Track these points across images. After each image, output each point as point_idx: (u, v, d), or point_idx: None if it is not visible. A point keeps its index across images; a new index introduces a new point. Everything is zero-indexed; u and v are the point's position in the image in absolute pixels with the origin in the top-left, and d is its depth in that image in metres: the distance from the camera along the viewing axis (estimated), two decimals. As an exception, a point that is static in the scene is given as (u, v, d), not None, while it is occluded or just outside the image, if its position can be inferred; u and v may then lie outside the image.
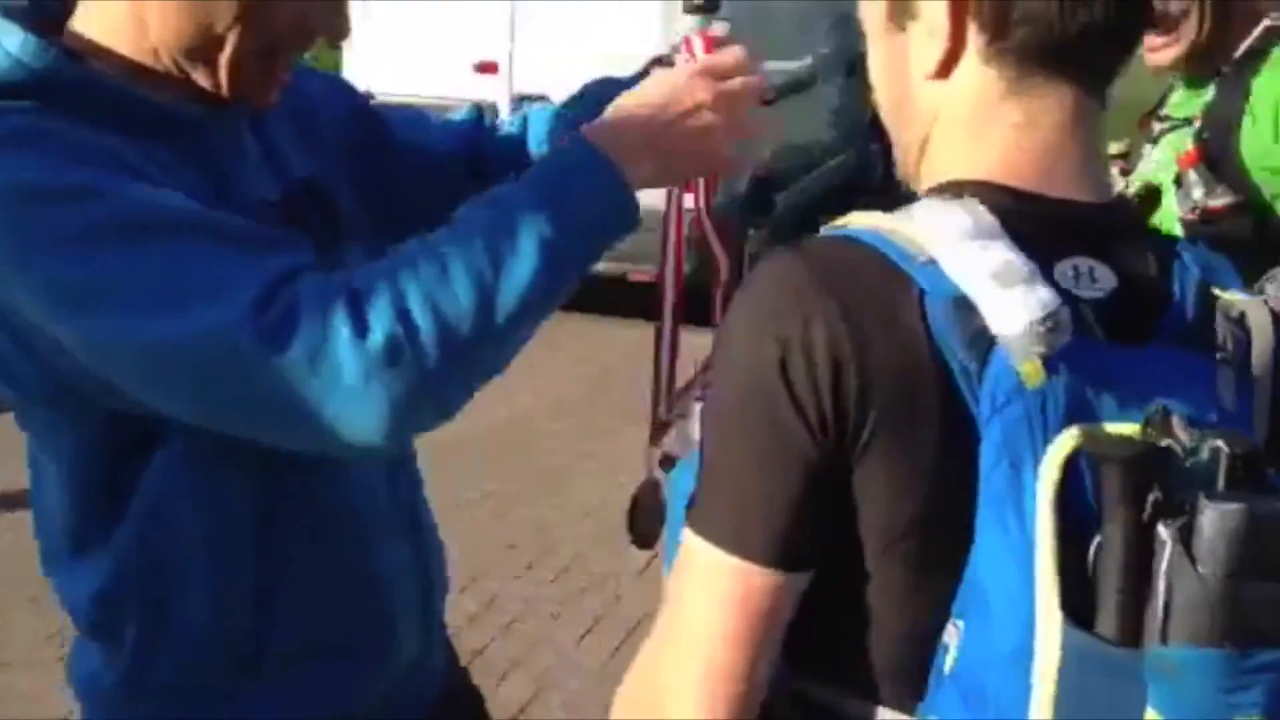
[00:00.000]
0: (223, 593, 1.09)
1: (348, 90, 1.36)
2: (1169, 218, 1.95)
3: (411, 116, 1.39)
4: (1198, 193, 1.89)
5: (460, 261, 0.94)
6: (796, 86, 5.78)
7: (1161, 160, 2.03)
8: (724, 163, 1.14)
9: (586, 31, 5.82)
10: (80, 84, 0.99)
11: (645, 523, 1.37)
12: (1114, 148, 2.17)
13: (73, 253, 0.91)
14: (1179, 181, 1.94)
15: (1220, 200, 1.88)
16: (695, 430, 0.93)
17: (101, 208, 0.92)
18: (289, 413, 0.91)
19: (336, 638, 1.16)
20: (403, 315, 0.91)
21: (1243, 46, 1.93)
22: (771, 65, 5.73)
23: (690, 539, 0.81)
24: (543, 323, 1.01)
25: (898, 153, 0.93)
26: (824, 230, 0.84)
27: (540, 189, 1.01)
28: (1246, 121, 1.88)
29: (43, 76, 0.97)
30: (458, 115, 1.41)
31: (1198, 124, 1.96)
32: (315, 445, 0.97)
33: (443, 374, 0.92)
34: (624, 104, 1.11)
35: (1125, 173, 2.13)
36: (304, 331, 0.89)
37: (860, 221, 0.81)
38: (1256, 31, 1.93)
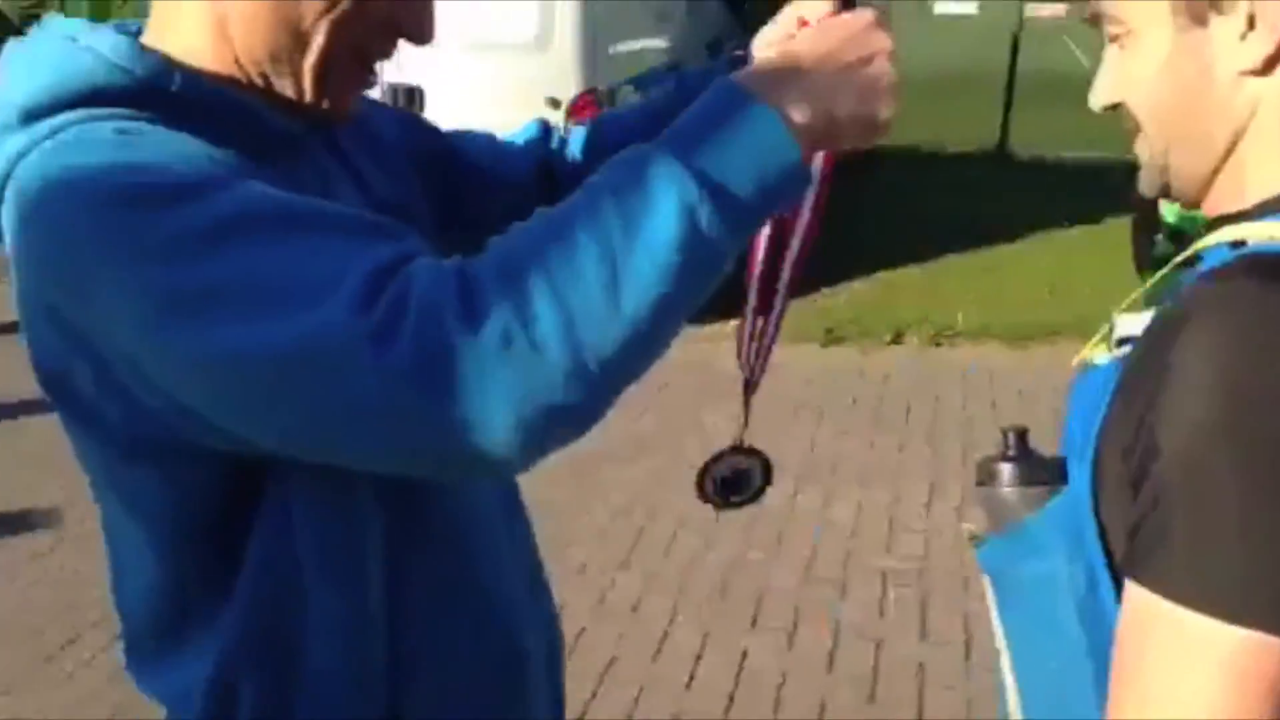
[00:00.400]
0: (350, 656, 0.99)
1: (416, 121, 1.29)
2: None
3: (483, 141, 1.30)
4: None
5: (586, 232, 0.80)
6: (663, 71, 6.12)
7: None
8: (885, 127, 0.94)
9: (459, 19, 5.99)
10: (182, 92, 0.92)
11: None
12: None
13: (156, 260, 0.82)
14: None
15: None
16: (1010, 498, 0.92)
17: (195, 211, 0.83)
18: (400, 422, 0.80)
19: (470, 692, 1.08)
20: (519, 302, 0.78)
21: None
22: (634, 45, 6.05)
23: (1167, 609, 0.74)
24: (693, 310, 0.85)
25: (1172, 162, 0.87)
26: (1254, 248, 0.80)
27: (681, 143, 0.84)
28: None
29: (145, 83, 0.90)
30: (524, 133, 1.32)
31: None
32: (432, 464, 0.85)
33: (570, 369, 0.79)
34: (788, 48, 0.94)
35: None
36: (413, 328, 0.77)
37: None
38: None
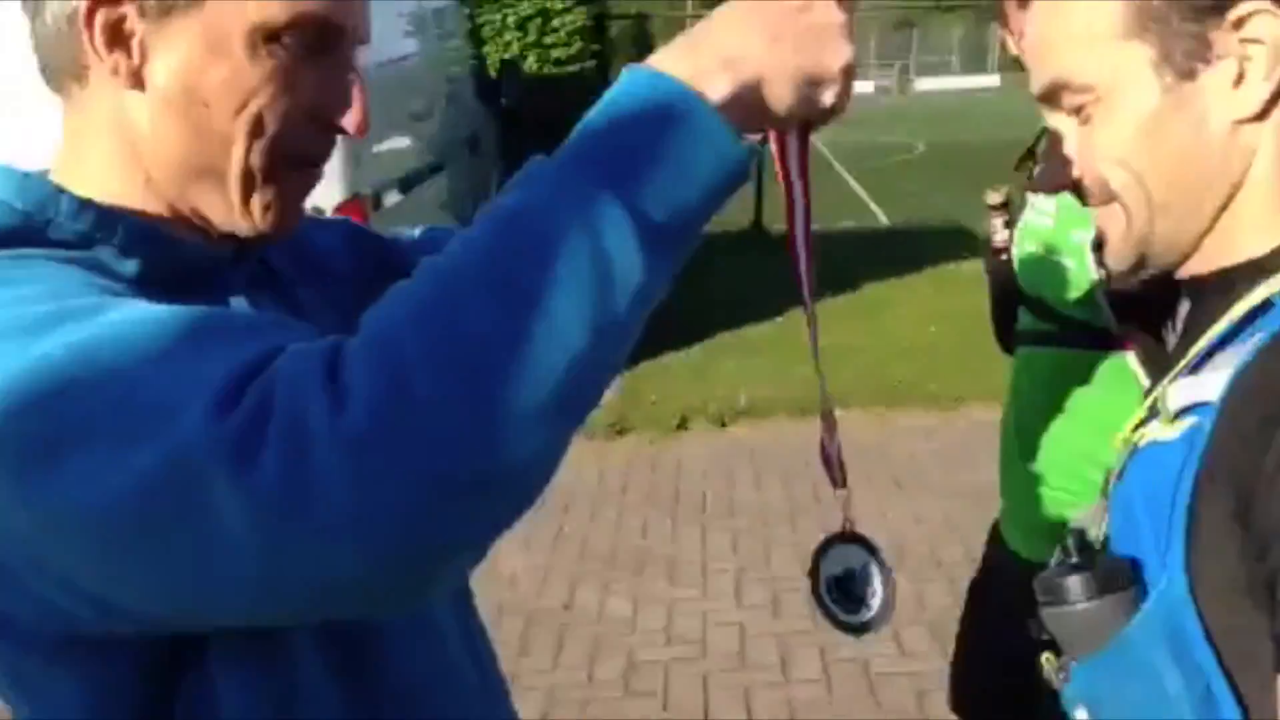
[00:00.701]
0: None
1: (363, 235, 1.15)
2: (1076, 283, 1.66)
3: (439, 240, 1.13)
4: None
5: (479, 273, 0.66)
6: (428, 173, 5.99)
7: (1064, 212, 1.69)
8: (842, 81, 0.76)
9: None
10: (71, 225, 0.81)
11: None
12: (991, 198, 1.87)
13: (8, 413, 0.68)
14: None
15: None
16: (1091, 614, 0.79)
17: (47, 344, 0.69)
18: (278, 555, 0.64)
19: None
20: (393, 367, 0.63)
21: None
22: (396, 145, 5.92)
23: None
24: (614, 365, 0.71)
25: (1159, 229, 0.83)
26: None
27: (580, 154, 0.70)
28: None
29: (29, 217, 0.80)
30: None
31: None
32: (338, 601, 0.68)
33: (474, 430, 0.63)
34: (706, 22, 0.76)
35: (1009, 225, 1.85)
36: (278, 430, 0.62)
37: None
38: None
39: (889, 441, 5.40)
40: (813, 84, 0.75)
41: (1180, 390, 0.79)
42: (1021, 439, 1.83)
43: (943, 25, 56.49)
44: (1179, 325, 0.92)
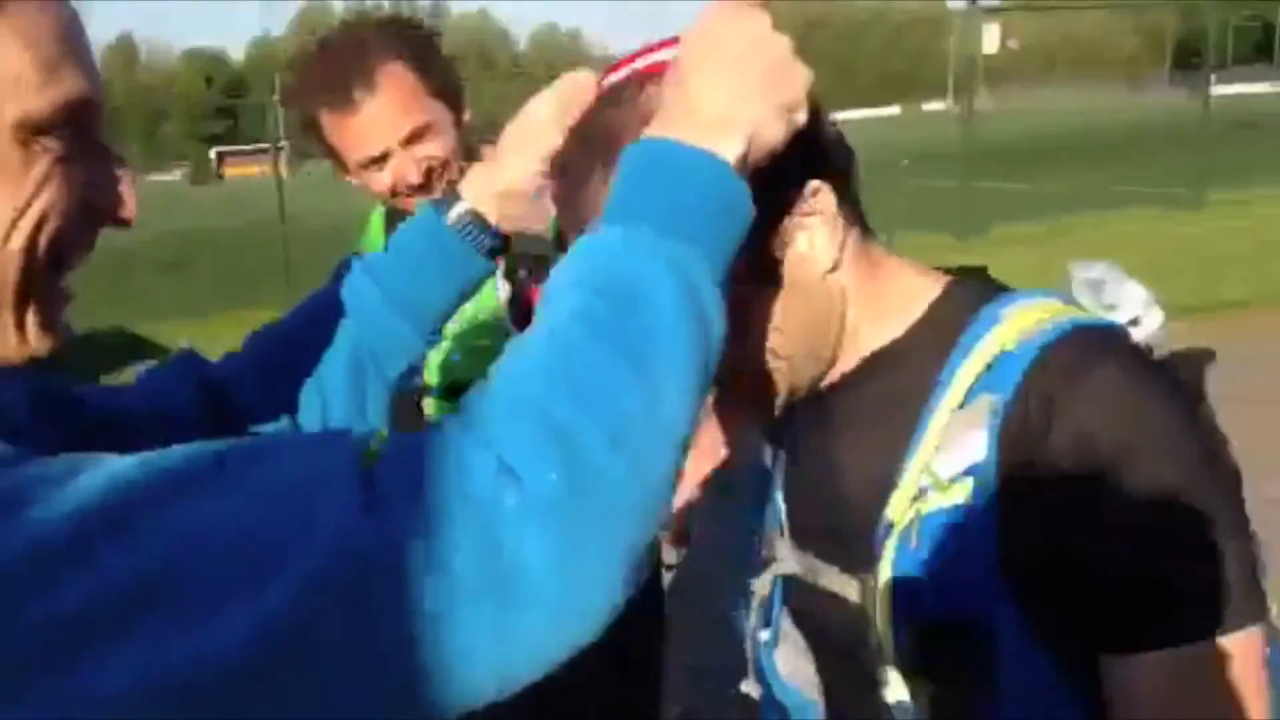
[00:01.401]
0: None
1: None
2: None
3: (138, 389, 1.06)
4: None
5: (592, 339, 0.68)
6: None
7: None
8: (807, 101, 0.83)
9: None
10: None
11: None
12: None
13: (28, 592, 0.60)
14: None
15: None
16: None
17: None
18: (510, 644, 0.63)
19: None
20: (557, 431, 0.64)
21: None
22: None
23: (1222, 641, 0.82)
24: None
25: (807, 370, 0.97)
26: (1079, 320, 0.92)
27: (636, 216, 0.74)
28: None
29: None
30: (164, 368, 1.09)
31: (501, 265, 1.64)
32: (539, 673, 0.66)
33: (644, 506, 0.66)
34: (674, 79, 0.81)
35: None
36: (452, 520, 0.62)
37: (1080, 312, 0.95)
38: None
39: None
40: (791, 111, 0.82)
41: (945, 460, 0.91)
42: None
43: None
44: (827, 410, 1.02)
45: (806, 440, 1.05)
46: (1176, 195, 12.84)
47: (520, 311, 1.84)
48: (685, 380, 0.69)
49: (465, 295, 1.14)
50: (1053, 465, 0.84)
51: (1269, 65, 56.53)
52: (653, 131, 0.78)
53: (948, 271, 1.04)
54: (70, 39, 0.74)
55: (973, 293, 0.97)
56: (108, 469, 0.64)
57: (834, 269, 0.94)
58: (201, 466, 0.65)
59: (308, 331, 1.12)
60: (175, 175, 74.36)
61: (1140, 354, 0.92)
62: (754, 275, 0.89)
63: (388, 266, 1.12)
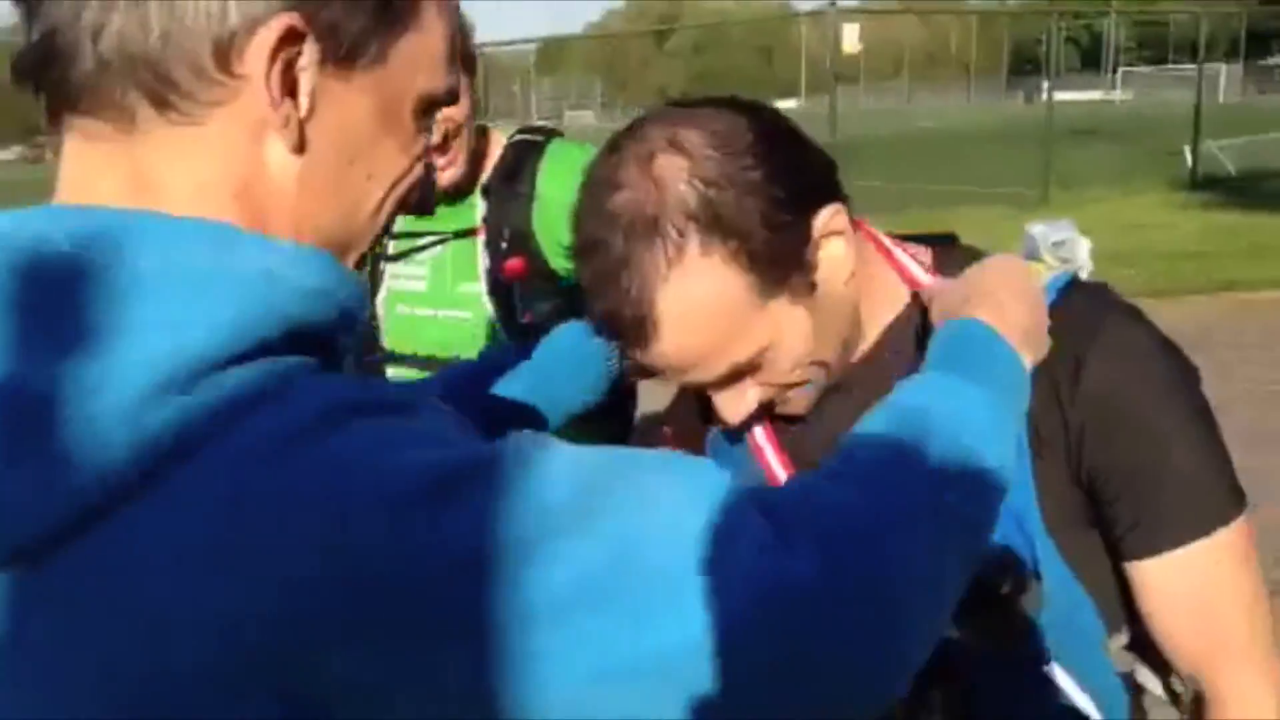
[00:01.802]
0: None
1: None
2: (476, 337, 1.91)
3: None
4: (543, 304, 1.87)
5: (925, 489, 0.76)
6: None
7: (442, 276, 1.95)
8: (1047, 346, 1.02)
9: None
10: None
11: None
12: None
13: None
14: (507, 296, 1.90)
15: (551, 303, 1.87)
16: None
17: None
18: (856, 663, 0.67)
19: None
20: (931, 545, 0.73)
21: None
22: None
23: (1222, 533, 1.00)
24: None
25: (838, 366, 1.05)
26: (1059, 277, 1.06)
27: (954, 374, 0.89)
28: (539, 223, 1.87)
29: (349, 312, 0.69)
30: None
31: (482, 236, 1.91)
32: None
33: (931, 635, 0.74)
34: (976, 292, 0.99)
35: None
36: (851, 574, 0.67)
37: (1047, 268, 1.08)
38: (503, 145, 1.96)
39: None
40: (1040, 340, 1.00)
41: None
42: None
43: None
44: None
45: (806, 441, 1.10)
46: (1022, 195, 13.49)
47: (495, 281, 1.91)
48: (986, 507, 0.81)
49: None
50: (1080, 414, 1.00)
51: (1097, 74, 59.53)
52: (979, 316, 0.96)
53: (919, 239, 1.13)
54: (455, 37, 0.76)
55: (955, 262, 1.07)
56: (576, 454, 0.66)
57: (852, 275, 1.01)
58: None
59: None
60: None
61: (1129, 303, 1.07)
62: (798, 296, 0.97)
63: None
